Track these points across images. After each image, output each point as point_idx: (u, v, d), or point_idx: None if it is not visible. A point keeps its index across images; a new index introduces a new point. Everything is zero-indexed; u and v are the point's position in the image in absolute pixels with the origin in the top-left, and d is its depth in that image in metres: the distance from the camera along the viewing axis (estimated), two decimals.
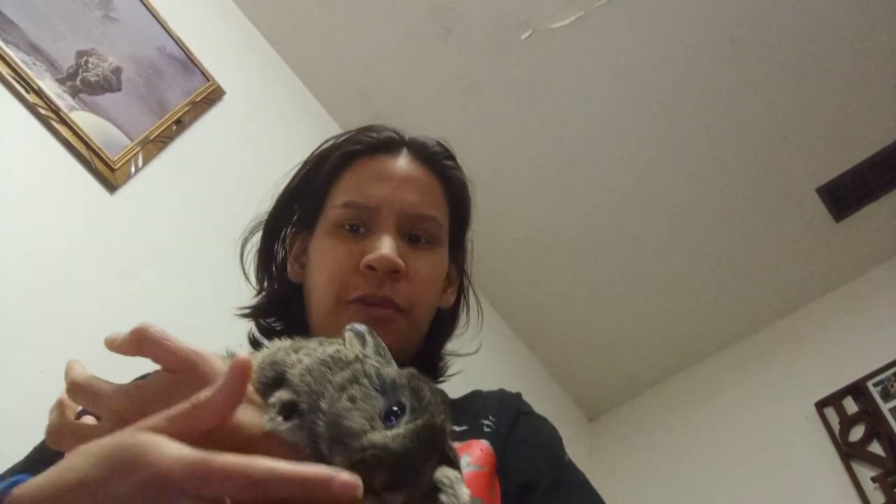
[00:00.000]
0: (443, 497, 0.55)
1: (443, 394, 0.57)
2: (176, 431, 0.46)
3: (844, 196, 3.07)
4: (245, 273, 1.00)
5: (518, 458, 0.81)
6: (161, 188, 1.82)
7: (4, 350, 1.30)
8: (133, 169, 1.75)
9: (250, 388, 0.54)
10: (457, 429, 0.83)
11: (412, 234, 0.90)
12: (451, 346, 1.04)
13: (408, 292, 0.87)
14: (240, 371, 0.48)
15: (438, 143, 1.02)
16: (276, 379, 0.56)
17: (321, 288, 0.89)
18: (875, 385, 2.86)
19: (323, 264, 0.90)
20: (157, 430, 0.46)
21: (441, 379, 1.01)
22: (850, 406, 2.88)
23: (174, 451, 0.43)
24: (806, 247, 3.20)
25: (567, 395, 3.63)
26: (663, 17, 2.61)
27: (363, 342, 0.60)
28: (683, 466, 3.15)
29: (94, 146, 1.66)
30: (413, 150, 0.98)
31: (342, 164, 0.95)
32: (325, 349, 0.58)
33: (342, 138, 0.99)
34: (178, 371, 0.53)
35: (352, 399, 0.53)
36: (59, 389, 0.58)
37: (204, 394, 0.48)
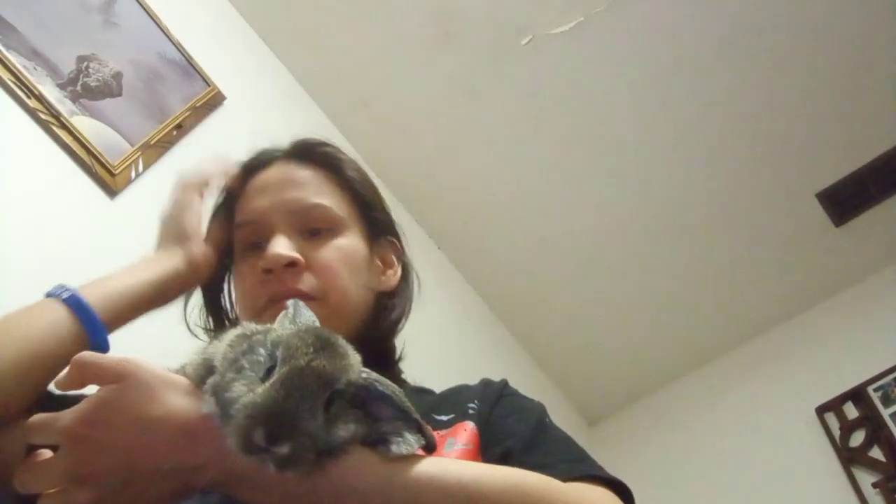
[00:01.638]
0: (393, 447, 0.59)
1: (327, 338, 0.58)
2: None
3: (844, 201, 3.07)
4: (190, 330, 1.01)
5: (498, 431, 0.82)
6: (161, 193, 1.81)
7: None
8: (133, 174, 1.75)
9: (188, 383, 0.60)
10: (444, 418, 0.84)
11: (311, 229, 0.92)
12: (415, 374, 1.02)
13: (314, 281, 0.87)
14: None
15: (312, 138, 1.03)
16: (208, 370, 0.58)
17: (241, 311, 0.93)
18: (875, 390, 2.85)
19: (238, 289, 0.94)
20: None
21: (398, 365, 1.01)
22: (851, 411, 2.88)
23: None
24: (806, 252, 3.20)
25: (567, 400, 3.63)
26: (662, 23, 2.61)
27: (287, 315, 0.62)
28: (684, 472, 3.14)
29: (94, 151, 1.66)
30: (287, 154, 1.00)
31: (234, 196, 0.99)
32: (235, 331, 0.60)
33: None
34: (116, 382, 0.58)
35: (239, 370, 0.55)
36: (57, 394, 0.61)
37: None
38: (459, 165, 2.95)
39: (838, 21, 2.61)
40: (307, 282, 0.87)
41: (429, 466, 0.60)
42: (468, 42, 2.64)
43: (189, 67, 2.08)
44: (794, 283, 3.29)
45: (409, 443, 0.59)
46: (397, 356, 1.01)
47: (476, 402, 0.87)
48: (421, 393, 0.97)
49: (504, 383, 0.94)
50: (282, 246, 0.87)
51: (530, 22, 2.60)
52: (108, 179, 1.68)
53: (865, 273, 3.24)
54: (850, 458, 2.75)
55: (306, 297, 0.84)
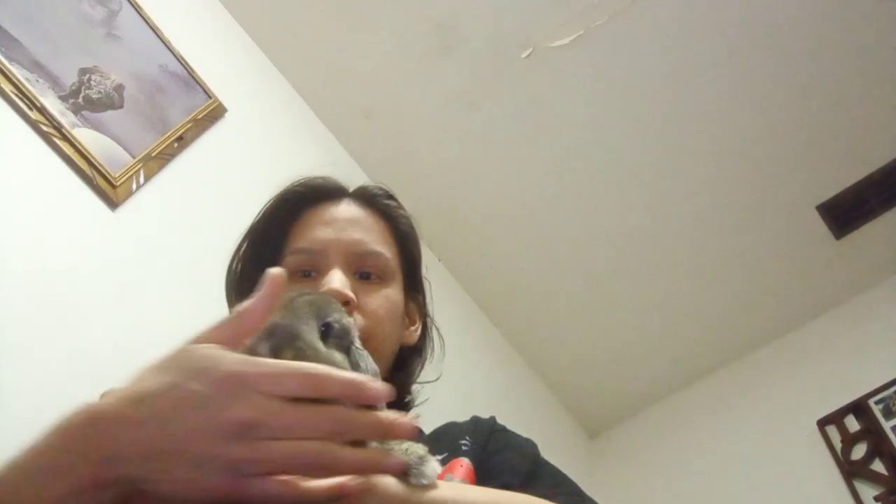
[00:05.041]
0: (411, 479, 0.61)
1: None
2: (222, 339, 0.55)
3: (844, 213, 3.07)
4: None
5: (493, 466, 0.84)
6: (162, 205, 1.82)
7: (4, 365, 1.30)
8: (134, 186, 1.75)
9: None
10: (438, 458, 0.85)
11: (362, 272, 0.93)
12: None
13: (362, 323, 0.88)
14: (274, 281, 0.58)
15: (379, 187, 1.06)
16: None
17: None
18: (877, 403, 2.84)
19: None
20: (206, 340, 0.55)
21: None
22: (853, 424, 2.87)
23: (239, 357, 0.53)
24: (806, 264, 3.20)
25: (568, 412, 3.62)
26: (662, 36, 2.62)
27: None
28: (685, 485, 3.13)
29: (95, 163, 1.67)
30: (354, 196, 1.03)
31: (291, 216, 0.99)
32: None
33: (288, 187, 1.03)
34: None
35: None
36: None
37: (244, 304, 0.57)
38: (460, 177, 2.95)
39: (838, 34, 2.62)
40: (356, 322, 0.87)
41: (446, 491, 0.62)
42: (469, 55, 2.65)
43: (190, 80, 2.09)
44: (795, 295, 3.28)
45: (428, 476, 0.61)
46: (411, 405, 1.04)
47: (468, 438, 0.89)
48: None
49: (493, 420, 0.96)
50: (340, 282, 0.87)
51: (530, 35, 2.62)
52: (110, 191, 1.68)
53: (866, 285, 3.24)
54: (851, 472, 2.73)
55: None
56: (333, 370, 0.54)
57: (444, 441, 0.89)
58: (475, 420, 0.95)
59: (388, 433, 0.56)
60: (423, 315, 1.08)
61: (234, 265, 1.02)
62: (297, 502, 0.53)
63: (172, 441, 0.50)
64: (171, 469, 0.51)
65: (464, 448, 0.86)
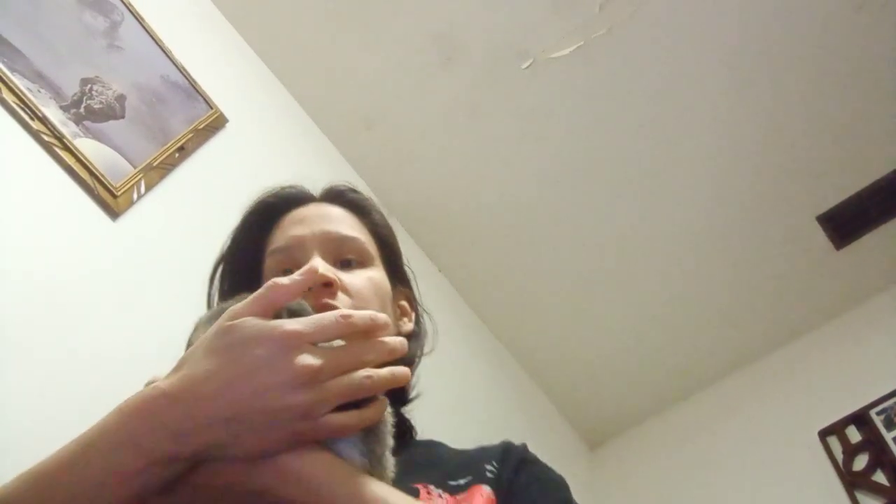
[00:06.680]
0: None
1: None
2: (255, 312, 0.61)
3: (845, 224, 3.07)
4: None
5: (520, 500, 0.82)
6: (163, 215, 1.83)
7: (4, 373, 1.30)
8: (135, 196, 1.76)
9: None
10: (462, 482, 0.84)
11: (342, 260, 0.94)
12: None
13: (348, 302, 0.88)
14: (311, 271, 0.67)
15: (343, 183, 1.10)
16: None
17: None
18: (878, 414, 2.84)
19: None
20: (241, 314, 0.61)
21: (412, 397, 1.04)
22: (854, 435, 2.86)
23: (287, 319, 0.61)
24: (806, 275, 3.20)
25: (568, 423, 3.61)
26: (662, 47, 2.63)
27: None
28: (686, 496, 3.12)
29: (96, 173, 1.67)
30: (322, 196, 1.07)
31: (265, 227, 1.03)
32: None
33: (257, 200, 1.08)
34: None
35: None
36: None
37: (278, 279, 0.64)
38: (461, 188, 2.96)
39: (838, 43, 2.63)
40: (342, 301, 0.87)
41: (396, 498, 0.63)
42: (469, 66, 2.66)
43: (192, 90, 2.09)
44: (796, 306, 3.28)
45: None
46: (411, 396, 1.03)
47: (494, 463, 0.87)
48: (429, 446, 0.97)
49: (524, 448, 0.94)
50: (321, 264, 0.87)
51: (531, 46, 2.62)
52: (111, 201, 1.68)
53: (867, 295, 3.24)
54: (853, 483, 2.72)
55: None
56: (353, 311, 0.64)
57: (472, 465, 0.87)
58: (505, 446, 0.93)
59: (397, 353, 0.65)
60: (415, 306, 1.09)
61: (212, 292, 1.05)
62: (359, 428, 0.63)
63: (247, 404, 0.57)
64: (249, 430, 0.57)
65: (488, 475, 0.85)
